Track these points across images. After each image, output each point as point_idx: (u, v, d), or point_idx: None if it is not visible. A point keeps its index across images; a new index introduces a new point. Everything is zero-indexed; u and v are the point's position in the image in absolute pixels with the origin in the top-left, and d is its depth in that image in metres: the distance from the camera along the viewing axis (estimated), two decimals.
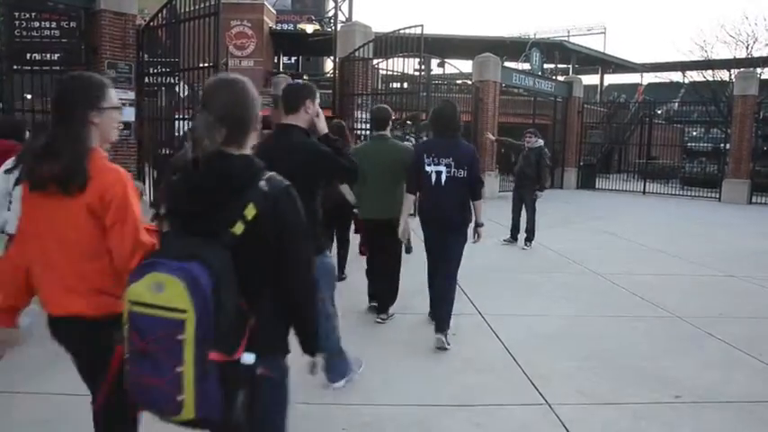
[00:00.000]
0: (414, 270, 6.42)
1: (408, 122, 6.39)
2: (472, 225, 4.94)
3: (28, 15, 10.67)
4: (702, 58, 30.74)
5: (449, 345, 4.69)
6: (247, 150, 1.87)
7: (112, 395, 2.03)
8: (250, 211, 1.70)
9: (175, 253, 1.67)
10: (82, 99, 2.09)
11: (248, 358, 1.71)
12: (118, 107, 2.22)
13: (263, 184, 1.74)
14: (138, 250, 2.00)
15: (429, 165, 4.83)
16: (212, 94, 1.85)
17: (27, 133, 5.40)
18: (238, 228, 1.70)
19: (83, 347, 2.15)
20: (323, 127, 3.37)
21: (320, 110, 3.38)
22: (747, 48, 29.83)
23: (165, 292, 1.59)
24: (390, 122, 5.52)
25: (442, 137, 4.97)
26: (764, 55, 29.39)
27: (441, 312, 4.82)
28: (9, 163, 3.85)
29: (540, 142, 9.54)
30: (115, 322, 1.82)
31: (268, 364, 1.83)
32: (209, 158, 1.76)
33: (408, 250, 5.93)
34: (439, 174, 4.78)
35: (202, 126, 1.76)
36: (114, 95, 2.20)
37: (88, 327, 2.05)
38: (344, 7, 36.81)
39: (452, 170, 4.77)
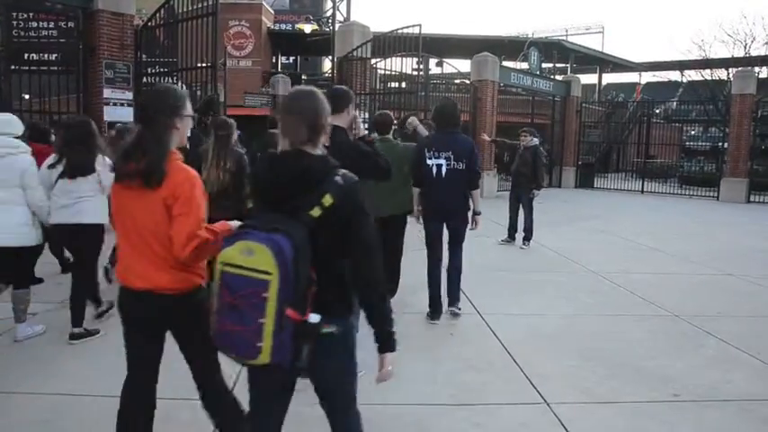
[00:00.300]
0: (410, 268, 6.43)
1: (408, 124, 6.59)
2: (470, 214, 5.42)
3: (26, 15, 10.66)
4: (700, 58, 30.82)
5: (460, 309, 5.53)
6: (320, 150, 2.20)
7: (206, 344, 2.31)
8: (327, 200, 2.04)
9: (263, 226, 1.98)
10: (168, 107, 2.48)
11: (314, 318, 2.03)
12: (192, 115, 2.62)
13: (338, 178, 2.09)
14: (192, 241, 2.35)
15: (430, 158, 5.25)
16: (297, 102, 2.20)
17: (52, 137, 6.04)
18: (316, 212, 2.04)
19: (160, 315, 2.51)
20: (361, 129, 3.82)
21: (357, 113, 3.76)
22: (745, 47, 29.90)
23: (254, 257, 1.91)
24: (392, 127, 5.77)
25: (443, 132, 5.38)
26: (762, 54, 29.44)
27: (455, 291, 5.55)
28: (51, 159, 4.49)
29: (536, 141, 9.54)
30: (193, 293, 2.46)
31: (332, 324, 2.15)
32: (292, 155, 2.14)
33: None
34: (439, 166, 5.22)
35: (291, 127, 2.14)
36: (190, 105, 2.59)
37: (170, 298, 2.45)
38: (342, 7, 36.84)
39: (452, 163, 5.22)
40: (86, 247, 4.62)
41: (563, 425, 3.48)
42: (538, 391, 3.92)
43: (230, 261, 1.96)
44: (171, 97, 2.52)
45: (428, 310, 5.44)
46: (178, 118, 2.49)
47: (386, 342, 2.30)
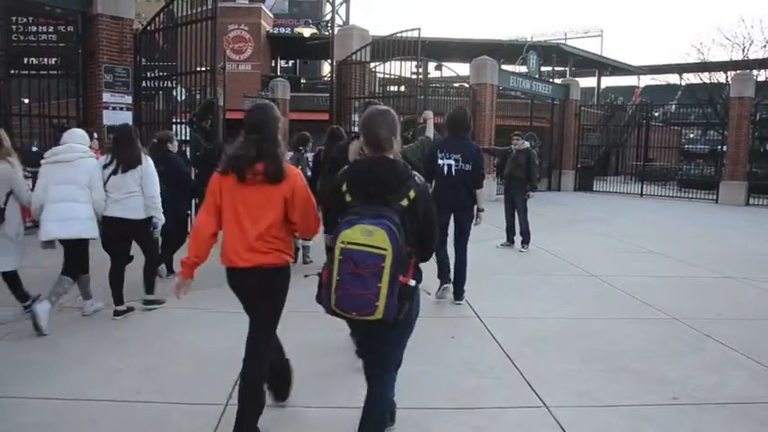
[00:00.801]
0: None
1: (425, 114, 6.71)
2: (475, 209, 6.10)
3: (25, 20, 10.69)
4: (699, 61, 30.83)
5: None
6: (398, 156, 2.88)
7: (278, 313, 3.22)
8: (411, 194, 2.69)
9: (369, 213, 2.55)
10: (276, 119, 3.18)
11: (412, 282, 2.66)
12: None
13: (417, 178, 2.77)
14: (318, 225, 3.18)
15: (442, 158, 5.97)
16: (382, 118, 2.84)
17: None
18: (404, 202, 2.67)
19: (263, 287, 3.11)
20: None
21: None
22: (743, 50, 29.92)
23: (373, 237, 2.47)
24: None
25: (454, 136, 6.09)
26: (761, 57, 29.46)
27: (461, 283, 6.10)
28: (104, 160, 5.30)
29: (527, 144, 9.58)
30: (286, 268, 3.15)
31: (418, 286, 2.78)
32: (384, 160, 2.77)
33: None
34: (450, 166, 5.94)
35: (378, 139, 2.78)
36: None
37: (272, 272, 3.07)
38: (342, 11, 36.95)
39: (460, 164, 5.94)
40: (141, 239, 5.46)
41: (562, 428, 3.48)
42: (537, 395, 3.92)
43: (353, 240, 2.49)
44: (275, 111, 3.22)
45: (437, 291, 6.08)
46: (280, 128, 3.19)
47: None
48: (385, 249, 2.48)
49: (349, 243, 2.50)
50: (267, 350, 3.25)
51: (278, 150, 3.10)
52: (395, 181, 2.72)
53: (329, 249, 2.66)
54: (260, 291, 3.11)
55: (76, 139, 5.26)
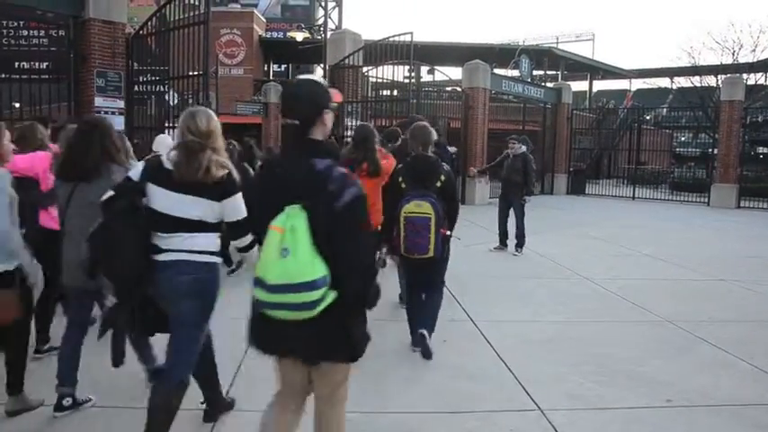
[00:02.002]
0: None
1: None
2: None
3: (16, 24, 10.63)
4: (690, 65, 31.05)
5: None
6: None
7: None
8: (442, 179, 4.52)
9: (418, 193, 4.39)
10: (374, 135, 5.23)
11: (449, 233, 4.54)
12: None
13: (445, 167, 4.65)
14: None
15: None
16: (428, 131, 4.78)
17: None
18: (438, 184, 4.49)
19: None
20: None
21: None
22: (733, 54, 30.14)
23: (422, 207, 4.28)
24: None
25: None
26: (750, 61, 29.69)
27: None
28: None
29: (524, 148, 9.58)
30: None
31: (451, 236, 4.63)
32: (424, 156, 4.65)
33: None
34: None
35: (423, 142, 4.70)
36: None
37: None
38: (334, 15, 36.93)
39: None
40: None
41: (556, 431, 3.48)
42: (531, 398, 3.93)
43: (410, 211, 4.34)
44: (372, 128, 5.24)
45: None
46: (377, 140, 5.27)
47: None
48: (430, 214, 4.30)
49: (409, 213, 4.35)
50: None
51: (376, 155, 5.11)
52: (432, 171, 4.56)
53: (396, 219, 4.41)
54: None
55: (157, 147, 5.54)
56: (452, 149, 6.73)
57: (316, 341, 2.29)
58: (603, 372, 4.45)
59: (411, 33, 12.34)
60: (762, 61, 29.94)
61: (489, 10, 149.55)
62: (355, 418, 3.58)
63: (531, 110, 24.05)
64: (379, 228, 4.69)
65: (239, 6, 32.25)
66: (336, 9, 37.53)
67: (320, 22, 34.44)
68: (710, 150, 22.81)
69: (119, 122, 9.74)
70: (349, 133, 13.23)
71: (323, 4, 35.70)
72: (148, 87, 11.25)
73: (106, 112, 9.73)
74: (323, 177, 2.25)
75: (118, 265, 2.80)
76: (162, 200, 2.84)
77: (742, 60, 29.77)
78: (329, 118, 2.37)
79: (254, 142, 8.68)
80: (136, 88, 10.79)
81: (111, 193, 2.87)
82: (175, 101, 10.77)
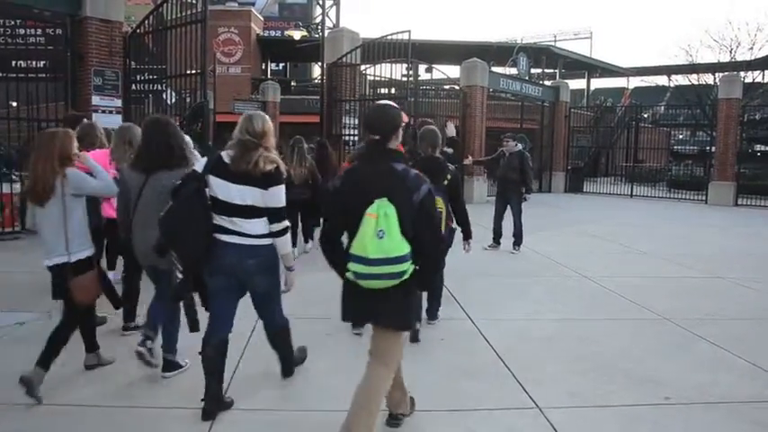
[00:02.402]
0: None
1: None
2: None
3: (13, 23, 10.60)
4: (687, 63, 31.09)
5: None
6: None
7: None
8: (449, 177, 4.96)
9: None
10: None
11: (453, 225, 5.17)
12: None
13: (452, 167, 5.16)
14: None
15: None
16: (436, 134, 5.20)
17: None
18: (445, 182, 4.89)
19: None
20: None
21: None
22: (731, 52, 30.24)
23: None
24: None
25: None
26: (748, 59, 29.74)
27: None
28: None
29: (519, 146, 9.59)
30: None
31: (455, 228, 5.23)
32: (434, 157, 5.03)
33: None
34: None
35: (431, 144, 5.08)
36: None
37: None
38: (332, 13, 36.95)
39: None
40: None
41: (555, 429, 3.49)
42: (529, 396, 3.93)
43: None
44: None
45: None
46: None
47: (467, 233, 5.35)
48: (441, 208, 4.49)
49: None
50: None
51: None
52: (439, 170, 4.92)
53: None
54: None
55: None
56: (449, 150, 6.93)
57: (388, 310, 2.95)
58: (601, 369, 4.45)
59: (409, 32, 12.32)
60: (759, 59, 30.02)
61: (487, 8, 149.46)
62: None
63: (529, 108, 24.07)
64: None
65: (237, 5, 32.24)
66: (334, 7, 37.55)
67: (318, 20, 34.39)
68: (708, 148, 22.83)
69: (116, 121, 9.72)
70: (347, 132, 13.24)
71: (320, 2, 35.74)
72: (146, 86, 11.22)
73: (103, 111, 9.71)
74: (402, 177, 2.91)
75: (186, 243, 3.37)
76: (222, 189, 3.39)
77: (739, 58, 29.85)
78: (400, 133, 3.06)
79: None
80: (133, 87, 10.76)
81: (178, 181, 3.46)
82: (173, 99, 10.76)
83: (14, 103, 10.38)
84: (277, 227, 3.48)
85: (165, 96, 10.93)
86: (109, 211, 4.87)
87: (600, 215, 15.32)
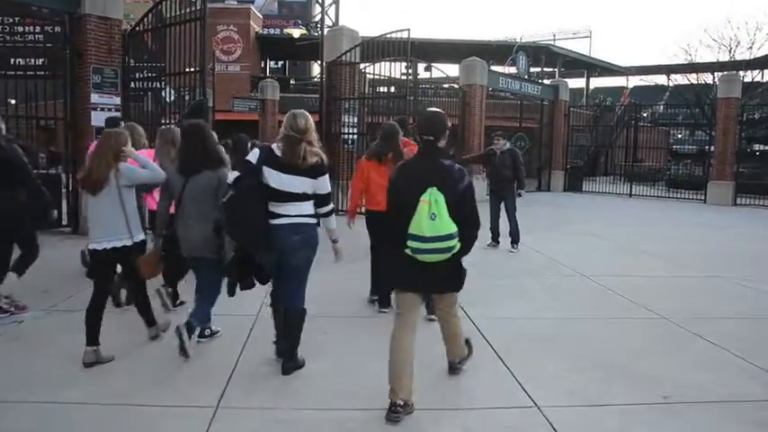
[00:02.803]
0: None
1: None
2: None
3: (11, 20, 10.58)
4: (686, 62, 31.08)
5: None
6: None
7: None
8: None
9: None
10: (397, 134, 5.74)
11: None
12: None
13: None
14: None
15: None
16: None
17: None
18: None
19: None
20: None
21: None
22: (730, 51, 30.24)
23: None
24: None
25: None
26: (747, 58, 29.75)
27: None
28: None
29: (509, 144, 9.64)
30: None
31: None
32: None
33: None
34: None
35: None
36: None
37: None
38: (331, 12, 36.92)
39: None
40: None
41: (553, 427, 3.48)
42: (528, 395, 3.93)
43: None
44: (396, 128, 5.92)
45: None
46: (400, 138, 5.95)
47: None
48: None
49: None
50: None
51: (399, 148, 5.59)
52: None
53: None
54: None
55: None
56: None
57: (444, 278, 3.71)
58: (600, 368, 4.45)
59: (408, 30, 12.29)
60: (758, 58, 30.03)
61: (486, 7, 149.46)
62: (351, 414, 3.58)
63: (528, 107, 24.07)
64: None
65: (236, 3, 32.22)
66: (333, 6, 37.52)
67: (317, 18, 34.39)
68: (707, 147, 22.84)
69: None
70: (345, 130, 13.23)
71: (320, 0, 35.67)
72: (145, 84, 11.19)
73: (102, 109, 9.69)
74: (448, 170, 3.62)
75: (246, 225, 3.85)
76: (275, 179, 3.91)
77: (739, 57, 29.85)
78: (447, 134, 3.79)
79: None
80: (132, 85, 10.72)
81: (236, 173, 3.92)
82: (172, 97, 10.73)
83: (13, 101, 10.36)
84: (325, 209, 4.13)
85: (164, 94, 10.90)
86: (153, 204, 5.20)
87: (599, 214, 15.32)
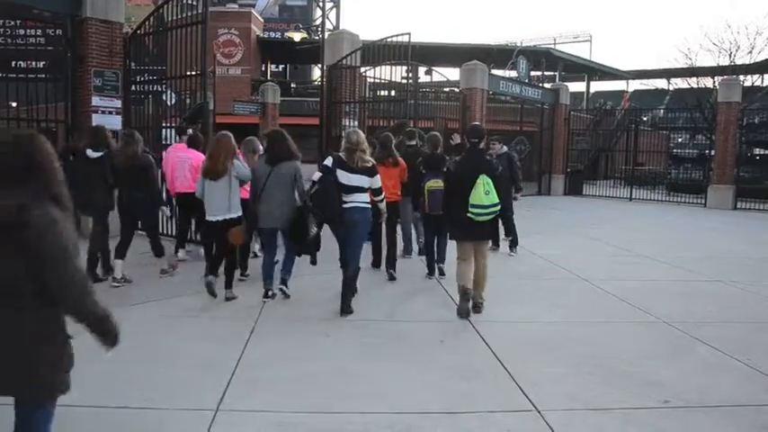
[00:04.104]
0: (404, 274, 6.41)
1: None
2: None
3: (13, 23, 10.61)
4: (687, 66, 31.09)
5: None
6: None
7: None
8: (447, 167, 6.21)
9: (434, 174, 6.92)
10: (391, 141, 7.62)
11: None
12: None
13: (448, 158, 6.72)
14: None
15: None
16: (434, 139, 7.63)
17: None
18: (444, 169, 6.30)
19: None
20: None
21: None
22: (730, 55, 30.20)
23: (438, 183, 6.67)
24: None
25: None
26: (747, 63, 29.74)
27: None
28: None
29: (505, 148, 9.69)
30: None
31: None
32: (435, 153, 7.42)
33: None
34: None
35: (438, 145, 7.58)
36: None
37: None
38: (332, 15, 36.95)
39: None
40: None
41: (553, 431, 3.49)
42: (528, 398, 3.93)
43: (433, 186, 6.81)
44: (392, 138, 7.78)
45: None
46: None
47: None
48: (440, 185, 6.43)
49: (431, 187, 6.86)
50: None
51: (395, 153, 7.47)
52: (441, 162, 6.78)
53: (422, 191, 7.03)
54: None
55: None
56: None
57: (488, 232, 5.96)
58: (600, 372, 4.45)
59: (409, 34, 12.30)
60: (758, 63, 30.02)
61: (487, 11, 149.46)
62: (351, 418, 3.58)
63: (528, 111, 24.06)
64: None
65: (237, 6, 32.25)
66: (334, 9, 37.54)
67: (318, 22, 34.47)
68: (707, 152, 22.81)
69: (116, 122, 9.72)
70: (344, 133, 13.24)
71: (321, 4, 35.76)
72: (146, 87, 11.21)
73: (103, 112, 9.71)
74: (490, 162, 5.86)
75: (328, 208, 5.64)
76: (344, 177, 5.70)
77: (739, 62, 29.84)
78: (485, 139, 5.87)
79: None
80: (133, 88, 10.74)
81: (319, 173, 5.69)
82: (173, 101, 10.74)
83: (14, 104, 10.37)
84: (380, 197, 6.01)
85: (165, 97, 10.91)
86: (244, 193, 6.25)
87: (599, 218, 15.31)
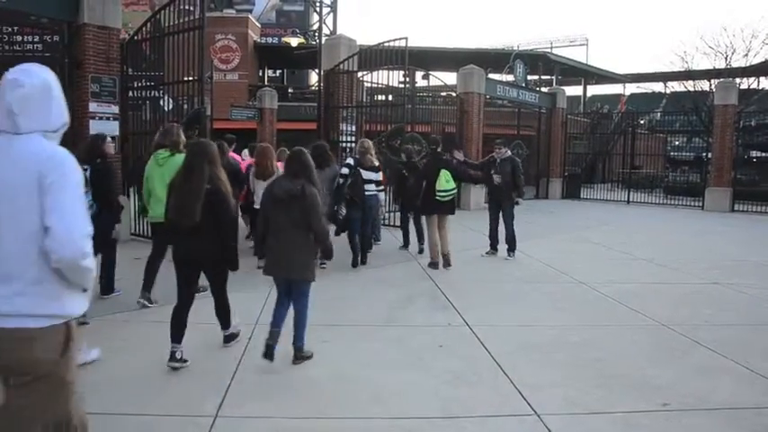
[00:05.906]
0: (405, 275, 6.42)
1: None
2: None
3: (10, 29, 10.60)
4: (683, 69, 31.16)
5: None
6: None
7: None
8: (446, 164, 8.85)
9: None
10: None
11: None
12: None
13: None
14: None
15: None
16: (435, 139, 9.45)
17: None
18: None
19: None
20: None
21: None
22: (726, 58, 30.28)
23: (450, 184, 8.34)
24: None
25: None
26: (743, 65, 29.83)
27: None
28: None
29: (509, 152, 9.69)
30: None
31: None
32: (437, 153, 8.68)
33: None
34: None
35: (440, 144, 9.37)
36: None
37: None
38: (329, 20, 37.05)
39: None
40: None
41: None
42: (528, 403, 3.92)
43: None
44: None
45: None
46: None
47: None
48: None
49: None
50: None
51: (375, 159, 8.91)
52: (415, 166, 9.03)
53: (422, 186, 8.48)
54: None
55: None
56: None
57: (449, 209, 8.37)
58: (600, 376, 4.44)
59: (406, 39, 12.32)
60: (755, 65, 30.11)
61: (484, 15, 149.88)
62: (351, 423, 3.57)
63: (525, 115, 24.10)
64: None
65: (234, 12, 32.28)
66: (331, 14, 37.67)
67: (315, 27, 34.54)
68: (704, 154, 22.84)
69: (113, 128, 9.71)
70: (344, 138, 13.25)
71: (318, 9, 35.82)
72: (143, 93, 11.20)
73: (100, 118, 9.70)
74: (448, 160, 8.58)
75: (357, 194, 7.97)
76: (363, 173, 8.18)
77: (735, 65, 29.92)
78: (440, 145, 9.04)
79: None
80: (130, 94, 10.74)
81: (346, 171, 8.12)
82: (170, 106, 10.74)
83: None
84: (380, 188, 8.60)
85: (162, 103, 10.91)
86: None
87: (597, 221, 15.32)
